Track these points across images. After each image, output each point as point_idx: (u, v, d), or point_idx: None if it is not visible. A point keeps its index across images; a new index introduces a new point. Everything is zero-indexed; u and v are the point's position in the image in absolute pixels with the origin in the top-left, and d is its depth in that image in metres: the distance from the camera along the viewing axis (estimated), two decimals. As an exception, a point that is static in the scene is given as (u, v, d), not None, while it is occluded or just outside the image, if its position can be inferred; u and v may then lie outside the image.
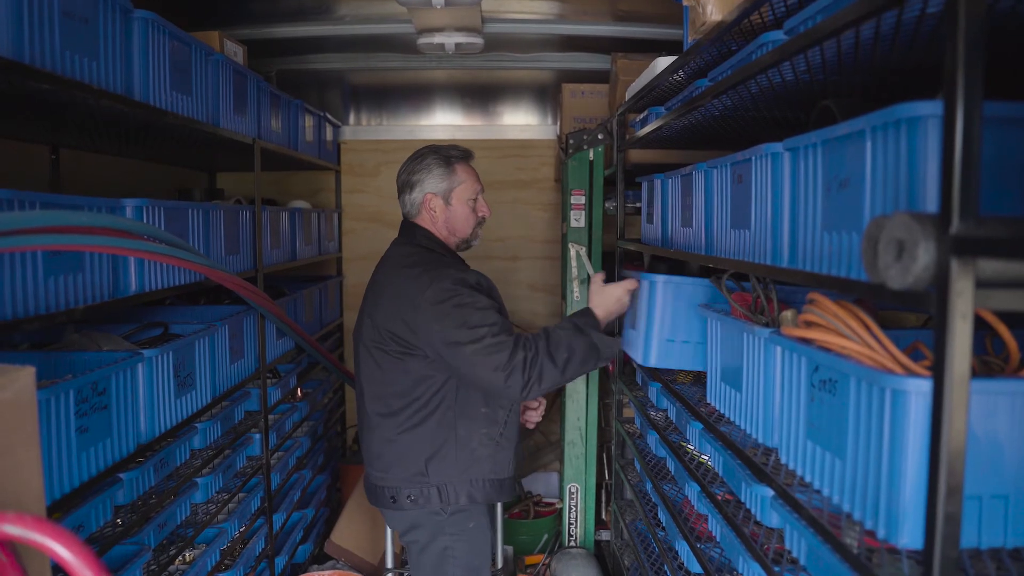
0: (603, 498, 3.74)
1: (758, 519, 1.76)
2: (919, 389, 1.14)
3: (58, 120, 2.19)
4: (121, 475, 2.08)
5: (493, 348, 2.20)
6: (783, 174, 1.63)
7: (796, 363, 1.54)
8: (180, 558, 2.49)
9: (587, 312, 2.42)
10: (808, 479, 1.49)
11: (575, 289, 3.41)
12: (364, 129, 4.58)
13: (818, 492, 1.44)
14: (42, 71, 1.62)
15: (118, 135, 2.56)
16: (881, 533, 1.21)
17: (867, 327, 1.35)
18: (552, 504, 3.88)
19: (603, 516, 3.71)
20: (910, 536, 1.17)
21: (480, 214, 2.60)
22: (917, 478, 1.16)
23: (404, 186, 2.53)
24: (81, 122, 2.23)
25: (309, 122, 3.93)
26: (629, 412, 3.23)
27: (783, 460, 1.61)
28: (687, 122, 2.37)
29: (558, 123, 4.30)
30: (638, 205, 3.17)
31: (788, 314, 1.64)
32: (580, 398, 3.45)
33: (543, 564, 3.18)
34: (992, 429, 1.17)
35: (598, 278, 2.55)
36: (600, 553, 3.59)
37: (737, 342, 1.87)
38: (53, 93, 1.75)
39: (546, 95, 4.38)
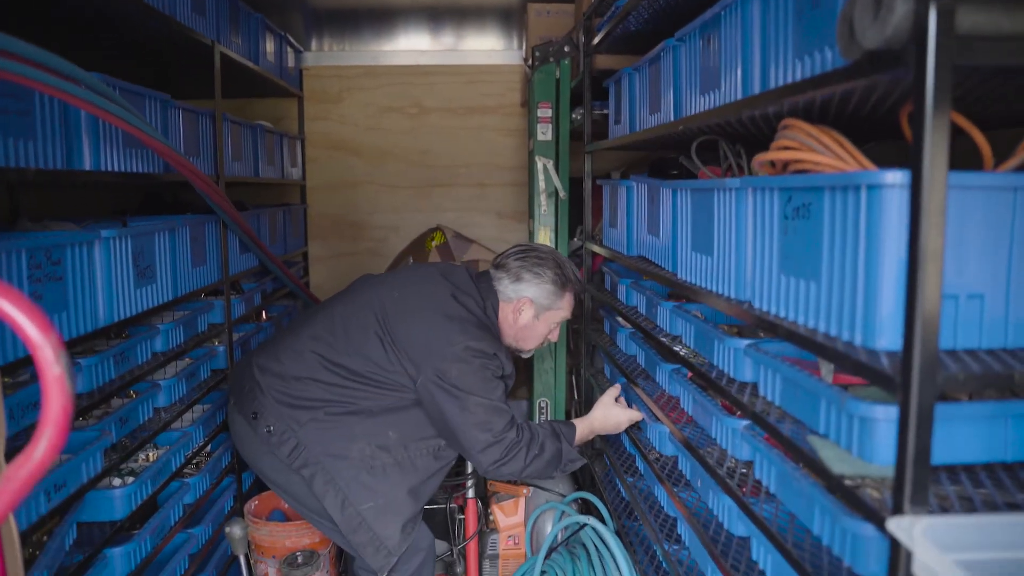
0: (573, 416, 3.74)
1: (732, 375, 1.76)
2: (895, 181, 1.12)
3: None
4: (80, 360, 2.02)
5: (496, 413, 2.23)
6: (753, 19, 1.61)
7: (768, 201, 1.52)
8: (144, 456, 2.44)
9: (571, 425, 2.44)
10: (783, 315, 1.47)
11: (543, 203, 3.38)
12: (327, 55, 4.48)
13: (792, 324, 1.42)
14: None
15: (66, 25, 2.45)
16: (859, 340, 1.20)
17: (840, 144, 1.34)
18: (522, 426, 3.87)
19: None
20: (888, 339, 1.16)
21: (548, 338, 2.58)
22: (894, 277, 1.14)
23: (510, 272, 2.47)
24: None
25: (271, 44, 3.83)
26: (597, 320, 3.22)
27: (757, 306, 1.60)
28: (658, 5, 2.33)
29: (524, 47, 4.25)
30: (605, 112, 3.14)
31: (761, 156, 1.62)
32: (549, 313, 3.43)
33: (514, 475, 3.17)
34: (968, 226, 1.15)
35: (612, 393, 2.59)
36: (571, 470, 3.59)
37: (708, 204, 1.85)
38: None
39: (512, 18, 4.30)
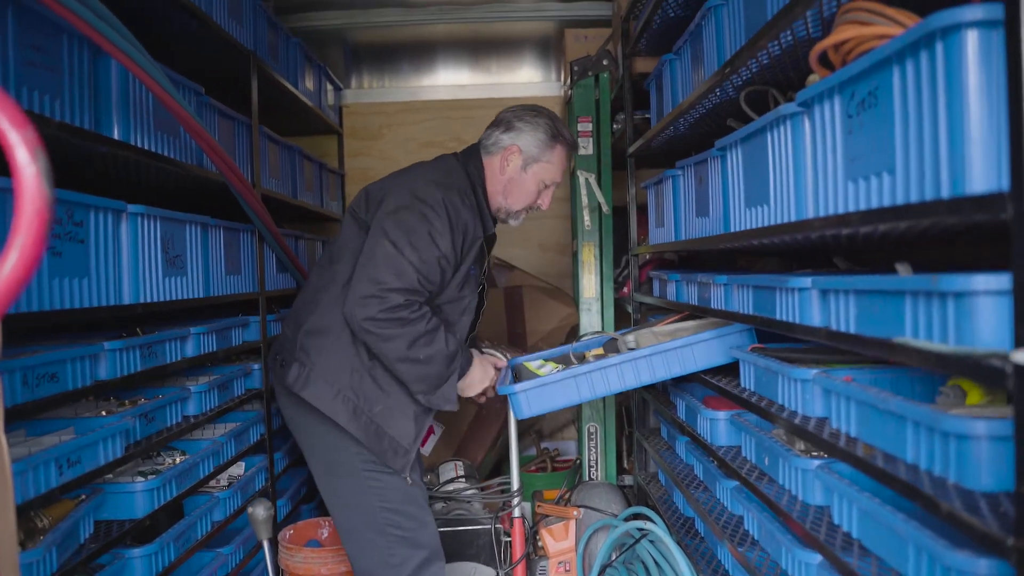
0: (624, 447, 3.54)
1: (798, 321, 1.60)
2: (976, 17, 1.00)
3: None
4: (105, 343, 1.93)
5: (398, 274, 2.06)
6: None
7: (828, 109, 1.40)
8: (170, 461, 2.32)
9: (469, 360, 2.29)
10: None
11: (586, 218, 3.28)
12: (366, 92, 4.50)
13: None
14: None
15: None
16: (946, 191, 1.05)
17: (910, 18, 1.22)
18: (570, 460, 3.67)
19: (625, 465, 3.51)
20: (982, 181, 1.00)
21: (538, 202, 2.47)
22: (983, 142, 1.00)
23: (501, 123, 2.41)
24: None
25: (310, 78, 3.84)
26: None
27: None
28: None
29: (562, 75, 4.22)
30: (647, 116, 3.06)
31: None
32: (596, 332, 3.28)
33: (561, 497, 2.97)
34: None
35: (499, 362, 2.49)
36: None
37: (760, 147, 1.72)
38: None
39: (550, 50, 4.30)
